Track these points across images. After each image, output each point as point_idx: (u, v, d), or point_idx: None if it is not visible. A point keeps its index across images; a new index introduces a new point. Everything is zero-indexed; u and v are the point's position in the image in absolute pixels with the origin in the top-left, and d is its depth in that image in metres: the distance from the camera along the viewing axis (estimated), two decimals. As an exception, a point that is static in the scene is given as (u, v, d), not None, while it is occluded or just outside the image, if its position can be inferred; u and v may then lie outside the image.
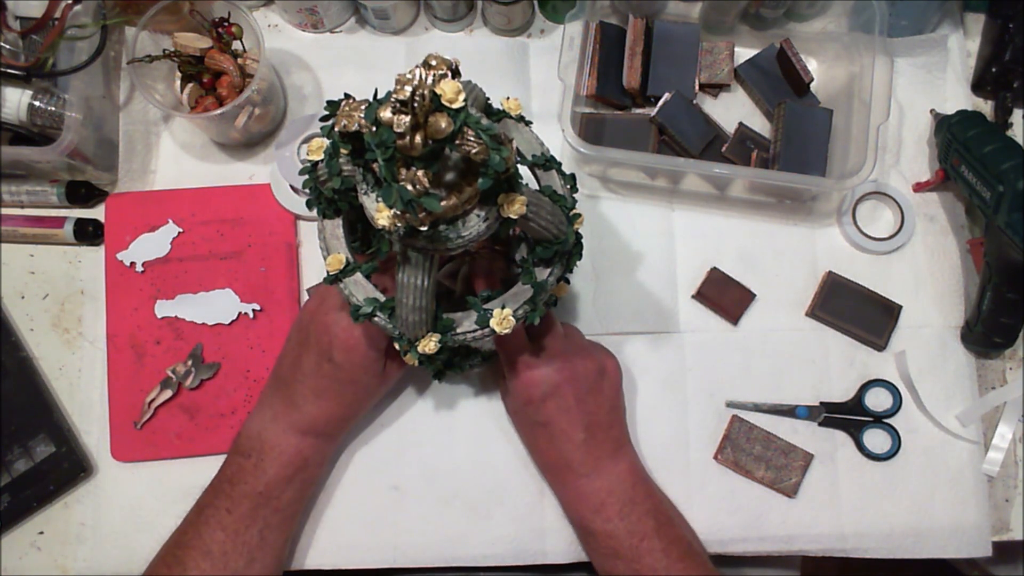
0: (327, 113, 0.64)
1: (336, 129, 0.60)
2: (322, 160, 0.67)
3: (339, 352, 0.78)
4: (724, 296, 0.92)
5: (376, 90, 0.58)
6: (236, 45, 0.91)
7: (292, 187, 0.93)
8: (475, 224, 0.61)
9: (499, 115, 0.71)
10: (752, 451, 0.89)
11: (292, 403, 0.81)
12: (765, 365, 0.92)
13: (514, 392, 0.82)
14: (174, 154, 0.97)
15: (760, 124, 0.98)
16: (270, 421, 0.81)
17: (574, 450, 0.80)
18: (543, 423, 0.81)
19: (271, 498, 0.79)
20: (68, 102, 0.87)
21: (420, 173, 0.55)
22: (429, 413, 0.91)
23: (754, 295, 0.93)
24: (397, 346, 0.72)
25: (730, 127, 0.96)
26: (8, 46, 0.89)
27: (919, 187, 0.95)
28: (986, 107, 0.99)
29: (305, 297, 0.93)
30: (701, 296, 0.92)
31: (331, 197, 0.69)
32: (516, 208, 0.61)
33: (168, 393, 0.89)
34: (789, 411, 0.90)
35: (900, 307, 0.92)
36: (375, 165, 0.56)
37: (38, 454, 0.88)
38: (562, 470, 0.82)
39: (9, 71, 0.86)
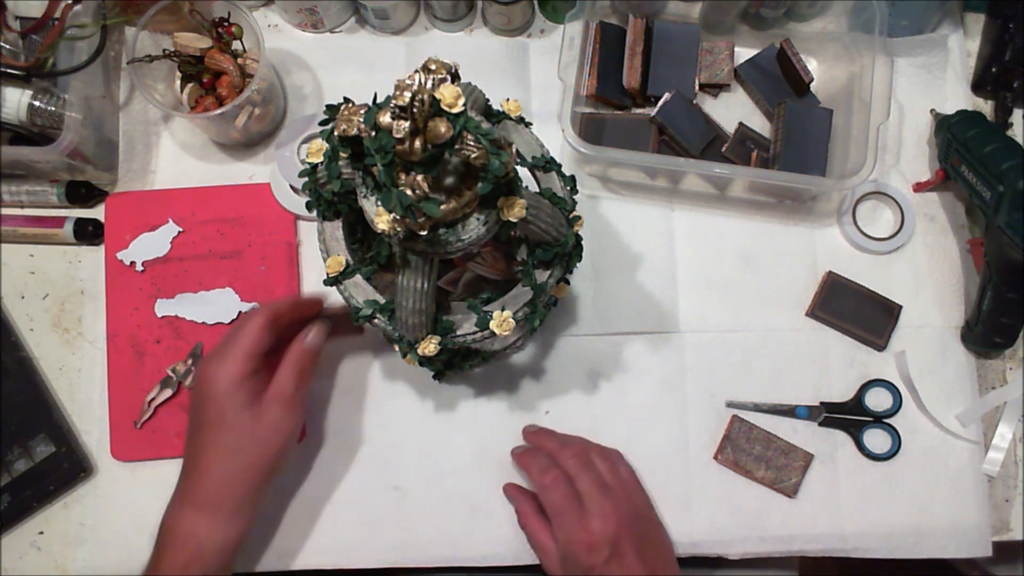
0: (326, 117, 0.64)
1: (335, 133, 0.60)
2: (321, 163, 0.67)
3: (199, 392, 0.76)
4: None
5: (375, 95, 0.58)
6: (236, 45, 0.90)
7: (292, 187, 0.93)
8: (475, 227, 0.61)
9: (499, 117, 0.71)
10: (752, 451, 0.89)
11: (184, 475, 0.78)
12: (765, 365, 0.92)
13: (571, 561, 0.78)
14: (174, 154, 0.97)
15: (760, 124, 0.97)
16: (172, 503, 0.77)
17: None
18: None
19: None
20: (68, 102, 0.87)
21: (420, 178, 0.55)
22: (429, 413, 0.91)
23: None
24: (397, 348, 0.72)
25: (730, 127, 0.96)
26: (8, 46, 0.89)
27: (919, 187, 0.95)
28: (986, 107, 0.99)
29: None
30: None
31: (331, 199, 0.69)
32: (516, 212, 0.61)
33: (168, 392, 0.90)
34: (789, 411, 0.91)
35: (900, 307, 0.92)
36: (375, 169, 0.56)
37: (38, 454, 0.88)
38: None
39: (9, 71, 0.86)
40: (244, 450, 0.76)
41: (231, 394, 0.75)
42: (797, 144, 0.92)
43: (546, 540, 0.82)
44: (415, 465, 0.90)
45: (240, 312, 0.91)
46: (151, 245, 0.93)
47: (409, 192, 0.55)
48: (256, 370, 0.76)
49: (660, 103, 0.93)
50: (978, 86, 0.99)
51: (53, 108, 0.88)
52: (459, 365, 0.86)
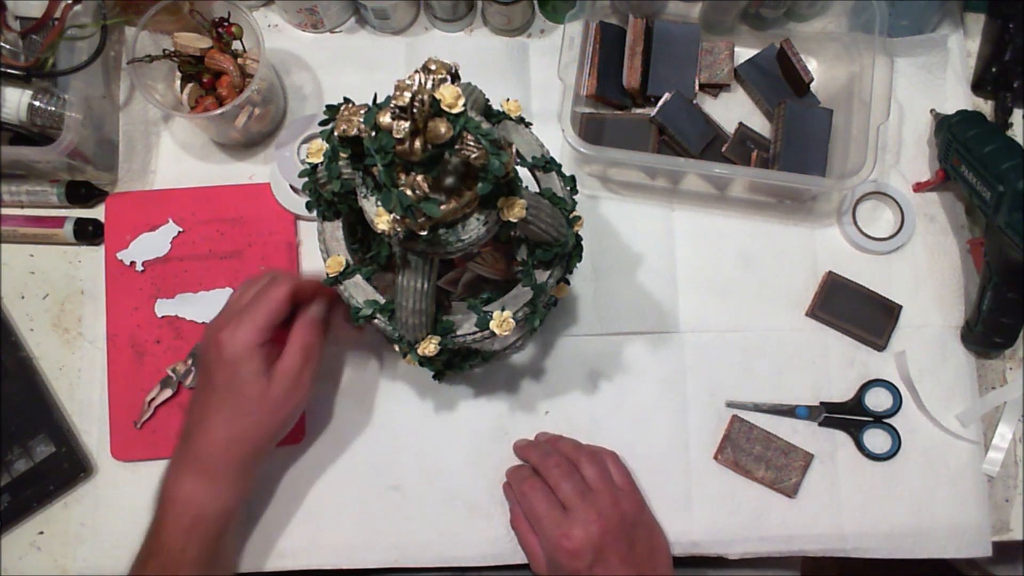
0: (326, 117, 0.64)
1: (335, 134, 0.60)
2: (321, 163, 0.67)
3: (209, 355, 0.76)
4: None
5: (376, 95, 0.58)
6: (236, 45, 0.90)
7: (292, 187, 0.93)
8: (475, 228, 0.61)
9: (499, 117, 0.71)
10: (752, 451, 0.89)
11: (184, 439, 0.77)
12: (765, 365, 0.92)
13: (556, 565, 0.79)
14: (174, 154, 0.97)
15: (760, 124, 0.97)
16: (171, 468, 0.77)
17: None
18: None
19: (174, 552, 0.74)
20: (68, 102, 0.87)
21: (420, 178, 0.55)
22: (429, 413, 0.91)
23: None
24: (397, 348, 0.72)
25: (730, 127, 0.96)
26: (8, 46, 0.89)
27: (919, 187, 0.95)
28: (986, 107, 0.99)
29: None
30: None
31: (331, 199, 0.69)
32: (516, 212, 0.61)
33: (168, 392, 0.89)
34: (789, 411, 0.91)
35: (900, 307, 0.92)
36: (375, 169, 0.56)
37: (38, 454, 0.88)
38: None
39: (9, 71, 0.86)
40: (248, 416, 0.76)
41: (243, 360, 0.74)
42: (797, 144, 0.92)
43: (534, 543, 0.82)
44: (414, 465, 0.90)
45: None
46: (151, 245, 0.93)
47: (409, 192, 0.55)
48: (270, 340, 0.76)
49: (660, 103, 0.93)
50: (978, 86, 0.99)
51: (53, 108, 0.88)
52: (459, 365, 0.86)
